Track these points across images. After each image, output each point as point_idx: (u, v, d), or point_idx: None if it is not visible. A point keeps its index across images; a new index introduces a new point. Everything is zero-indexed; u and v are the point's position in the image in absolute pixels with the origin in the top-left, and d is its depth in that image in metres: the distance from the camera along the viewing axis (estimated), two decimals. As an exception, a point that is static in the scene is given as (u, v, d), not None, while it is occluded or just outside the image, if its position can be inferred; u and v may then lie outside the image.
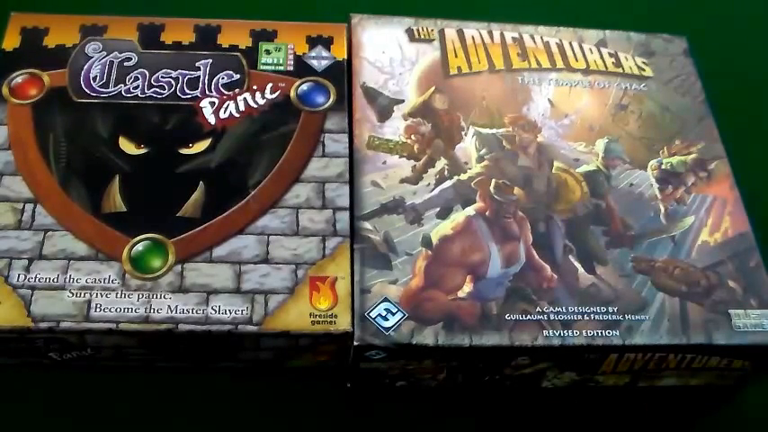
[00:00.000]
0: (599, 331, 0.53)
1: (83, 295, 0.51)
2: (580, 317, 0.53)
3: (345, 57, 0.64)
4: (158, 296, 0.51)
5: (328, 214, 0.56)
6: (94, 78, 0.60)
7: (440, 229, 0.56)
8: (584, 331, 0.53)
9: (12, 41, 0.62)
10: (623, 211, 0.59)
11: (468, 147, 0.61)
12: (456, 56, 0.66)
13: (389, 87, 0.63)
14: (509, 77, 0.65)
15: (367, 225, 0.56)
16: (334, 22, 0.66)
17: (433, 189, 0.58)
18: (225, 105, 0.60)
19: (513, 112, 0.63)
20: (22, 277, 0.51)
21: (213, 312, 0.51)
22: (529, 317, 0.53)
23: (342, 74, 0.63)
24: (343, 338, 0.52)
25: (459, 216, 0.57)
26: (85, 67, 0.61)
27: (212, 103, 0.60)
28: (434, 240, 0.55)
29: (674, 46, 0.69)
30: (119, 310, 0.51)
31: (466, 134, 0.62)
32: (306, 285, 0.53)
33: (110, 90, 0.60)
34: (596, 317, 0.53)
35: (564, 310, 0.53)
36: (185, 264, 0.53)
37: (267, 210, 0.56)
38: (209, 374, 0.55)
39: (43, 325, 0.50)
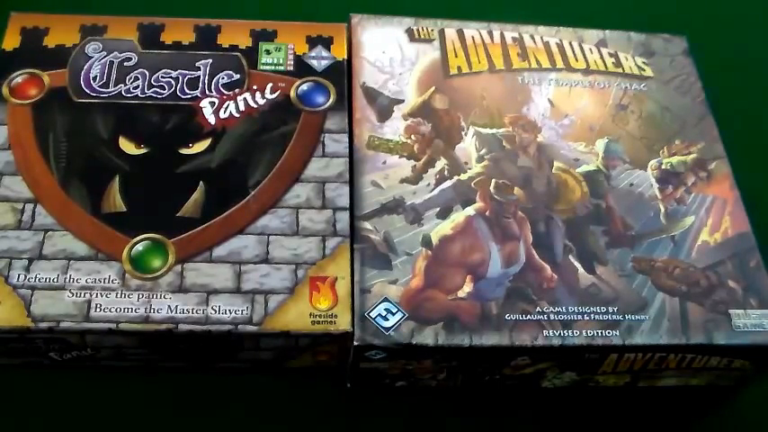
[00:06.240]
0: (599, 331, 0.53)
1: (83, 295, 0.51)
2: (580, 317, 0.53)
3: (345, 57, 0.64)
4: (158, 296, 0.51)
5: (328, 214, 0.56)
6: (94, 78, 0.60)
7: (440, 229, 0.56)
8: (584, 331, 0.53)
9: (12, 41, 0.62)
10: (623, 211, 0.59)
11: (468, 147, 0.61)
12: (456, 56, 0.66)
13: (389, 87, 0.63)
14: (509, 77, 0.65)
15: (367, 225, 0.56)
16: (334, 22, 0.66)
17: (433, 189, 0.58)
18: (225, 105, 0.60)
19: (513, 112, 0.63)
20: (22, 277, 0.51)
21: (213, 312, 0.51)
22: (529, 317, 0.53)
23: (342, 74, 0.63)
24: (343, 338, 0.52)
25: (459, 216, 0.57)
26: (85, 67, 0.61)
27: (212, 103, 0.60)
28: (434, 240, 0.55)
29: (674, 46, 0.69)
30: (119, 310, 0.51)
31: (466, 134, 0.62)
32: (306, 285, 0.53)
33: (110, 90, 0.60)
34: (596, 317, 0.53)
35: (564, 310, 0.53)
36: (185, 264, 0.53)
37: (267, 210, 0.56)
38: (209, 374, 0.55)
39: (43, 325, 0.50)
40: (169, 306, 0.51)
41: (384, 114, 0.62)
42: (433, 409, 0.56)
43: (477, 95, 0.64)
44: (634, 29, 0.70)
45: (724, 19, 0.81)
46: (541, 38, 0.68)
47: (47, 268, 0.52)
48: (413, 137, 0.61)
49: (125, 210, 0.55)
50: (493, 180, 0.59)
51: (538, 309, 0.53)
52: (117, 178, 0.56)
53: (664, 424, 0.57)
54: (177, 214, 0.55)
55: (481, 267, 0.55)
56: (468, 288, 0.54)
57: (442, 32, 0.67)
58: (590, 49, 0.68)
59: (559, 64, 0.66)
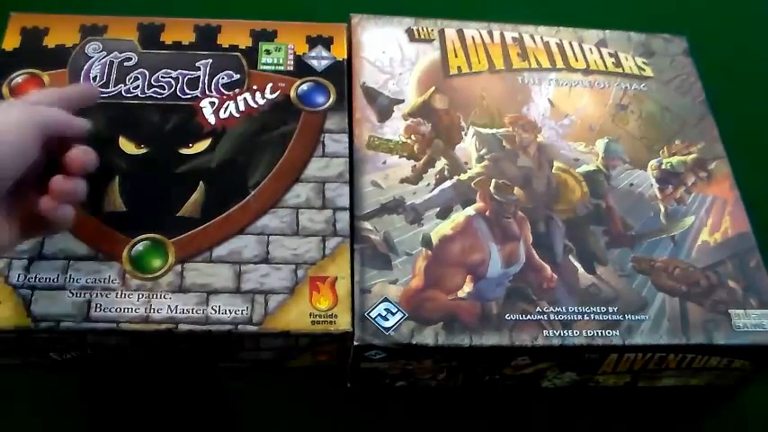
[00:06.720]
0: (599, 331, 0.53)
1: (83, 295, 0.51)
2: (580, 317, 0.53)
3: (345, 57, 0.64)
4: (158, 296, 0.51)
5: (328, 214, 0.56)
6: (94, 78, 0.60)
7: (440, 229, 0.56)
8: (584, 331, 0.53)
9: (12, 41, 0.62)
10: (623, 211, 0.59)
11: (468, 147, 0.61)
12: (456, 56, 0.66)
13: (389, 87, 0.63)
14: (509, 77, 0.65)
15: (367, 225, 0.56)
16: (334, 22, 0.66)
17: (433, 189, 0.58)
18: (225, 105, 0.60)
19: (513, 112, 0.63)
20: (22, 277, 0.51)
21: (213, 312, 0.51)
22: (529, 317, 0.53)
23: (342, 74, 0.63)
24: (343, 338, 0.52)
25: (459, 216, 0.57)
26: (85, 67, 0.61)
27: (212, 103, 0.60)
28: (434, 240, 0.55)
29: (674, 46, 0.69)
30: (119, 310, 0.51)
31: (466, 134, 0.62)
32: (306, 285, 0.53)
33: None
34: (596, 317, 0.53)
35: (564, 310, 0.53)
36: (185, 264, 0.53)
37: (267, 210, 0.56)
38: (210, 374, 0.55)
39: (43, 325, 0.50)
40: (169, 306, 0.51)
41: (384, 114, 0.62)
42: (433, 409, 0.56)
43: (477, 95, 0.64)
44: (634, 29, 0.70)
45: (724, 19, 0.81)
46: (541, 38, 0.68)
47: (47, 268, 0.52)
48: (413, 137, 0.61)
49: (125, 210, 0.55)
50: (493, 180, 0.59)
51: (538, 309, 0.53)
52: (117, 178, 0.56)
53: (664, 424, 0.57)
54: (177, 214, 0.55)
55: (481, 267, 0.55)
56: (468, 288, 0.54)
57: (442, 32, 0.67)
58: (590, 49, 0.68)
59: (559, 64, 0.66)
